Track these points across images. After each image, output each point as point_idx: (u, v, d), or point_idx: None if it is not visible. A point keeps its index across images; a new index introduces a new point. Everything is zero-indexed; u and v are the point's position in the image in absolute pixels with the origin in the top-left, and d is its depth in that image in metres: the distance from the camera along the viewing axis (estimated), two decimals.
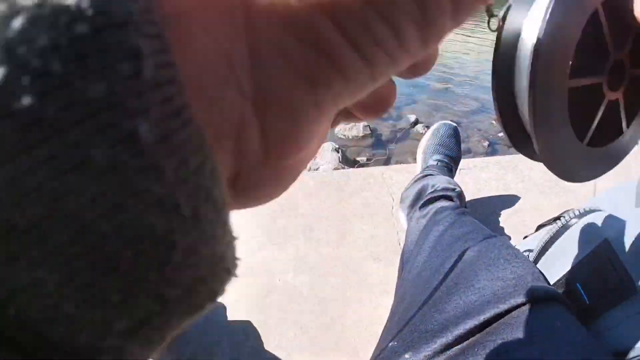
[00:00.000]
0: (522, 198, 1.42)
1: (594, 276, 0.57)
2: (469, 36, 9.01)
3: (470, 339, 0.52)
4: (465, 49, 8.12)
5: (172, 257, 0.11)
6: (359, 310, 1.11)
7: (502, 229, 1.31)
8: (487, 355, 0.50)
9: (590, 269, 0.58)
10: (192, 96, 0.11)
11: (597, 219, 0.63)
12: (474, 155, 4.15)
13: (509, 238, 1.26)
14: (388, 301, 1.10)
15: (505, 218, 1.35)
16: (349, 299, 1.14)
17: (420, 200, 1.08)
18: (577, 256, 0.61)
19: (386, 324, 0.73)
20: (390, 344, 0.60)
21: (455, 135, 1.28)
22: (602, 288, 0.56)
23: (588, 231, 0.62)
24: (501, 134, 4.52)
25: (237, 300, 1.18)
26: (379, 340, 0.69)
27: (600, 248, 0.57)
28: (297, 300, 1.16)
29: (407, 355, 0.55)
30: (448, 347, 0.53)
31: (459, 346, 0.52)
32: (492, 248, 0.67)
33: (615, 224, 0.60)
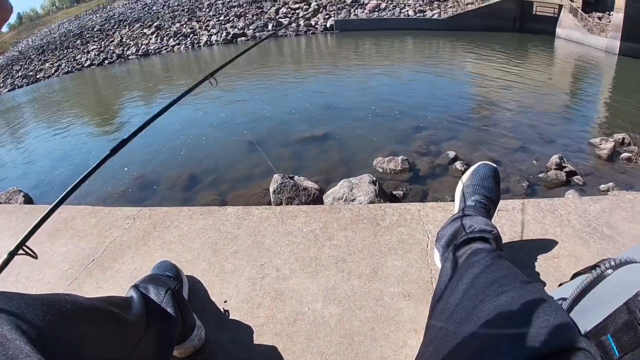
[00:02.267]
0: (560, 243, 1.39)
1: (626, 329, 0.56)
2: (515, 72, 8.93)
3: None
4: (510, 85, 8.05)
5: None
6: (385, 347, 1.10)
7: (538, 274, 1.28)
8: None
9: (622, 322, 0.57)
10: None
11: (632, 271, 0.63)
12: (513, 195, 4.10)
13: (544, 284, 1.23)
14: (415, 340, 1.09)
15: (542, 263, 1.32)
16: (376, 334, 1.13)
17: (456, 240, 1.07)
18: (609, 308, 0.60)
19: None
20: None
21: (495, 176, 1.27)
22: (633, 341, 0.55)
23: (622, 283, 0.62)
24: (541, 175, 4.45)
25: (264, 324, 1.19)
26: None
27: (633, 301, 0.57)
28: (324, 330, 1.16)
29: None
30: None
31: None
32: (527, 295, 0.66)
33: None
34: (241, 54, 1.31)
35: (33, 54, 26.36)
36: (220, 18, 24.26)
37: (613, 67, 9.90)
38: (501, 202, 1.55)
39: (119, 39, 24.51)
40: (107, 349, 0.72)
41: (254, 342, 1.15)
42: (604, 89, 8.34)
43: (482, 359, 0.57)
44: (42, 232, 1.65)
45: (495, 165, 1.30)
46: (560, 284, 0.94)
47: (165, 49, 20.66)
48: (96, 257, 1.51)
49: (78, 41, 26.92)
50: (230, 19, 23.66)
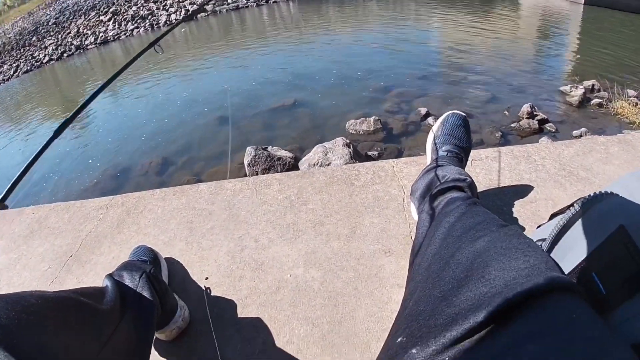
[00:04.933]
0: (536, 188, 1.39)
1: (611, 265, 0.54)
2: (481, 28, 8.91)
3: (481, 332, 0.50)
4: (477, 40, 8.04)
5: None
6: (370, 305, 1.10)
7: (516, 219, 1.29)
8: (498, 348, 0.48)
9: (606, 257, 0.55)
10: None
11: (612, 204, 0.61)
12: (487, 146, 4.13)
13: (523, 229, 1.24)
14: (399, 295, 1.09)
15: (519, 208, 1.33)
16: (360, 293, 1.13)
17: (430, 192, 1.06)
18: (591, 244, 0.59)
19: (395, 319, 0.71)
20: (398, 340, 0.59)
21: (464, 124, 1.25)
22: (619, 278, 0.53)
23: (603, 217, 0.60)
24: (514, 124, 4.48)
25: (247, 296, 1.17)
26: (388, 335, 0.67)
27: (616, 235, 0.55)
28: (308, 295, 1.15)
29: (414, 350, 0.53)
30: (457, 341, 0.51)
31: (468, 340, 0.51)
32: (504, 238, 0.64)
33: (631, 208, 0.58)
34: (181, 22, 1.28)
35: None
36: None
37: (579, 17, 9.91)
38: (475, 152, 1.55)
39: (75, 30, 23.71)
40: (80, 340, 0.70)
41: (239, 316, 1.14)
42: (571, 38, 8.37)
43: (463, 307, 0.55)
44: (17, 235, 1.61)
45: (464, 113, 1.28)
46: (539, 226, 0.93)
47: (124, 34, 20.04)
48: (74, 252, 1.47)
49: (34, 38, 26.03)
50: None
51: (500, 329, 0.49)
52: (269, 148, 3.93)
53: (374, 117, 4.61)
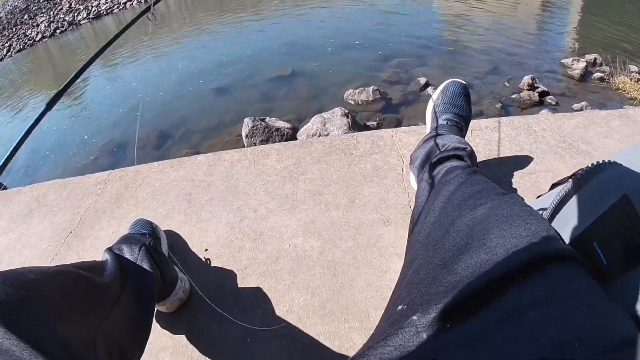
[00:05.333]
0: (535, 159, 1.39)
1: (613, 235, 0.53)
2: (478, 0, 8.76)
3: (482, 299, 0.50)
4: (477, 12, 7.91)
5: None
6: (369, 274, 1.10)
7: (515, 190, 1.28)
8: (499, 315, 0.48)
9: (609, 227, 0.54)
10: None
11: (615, 173, 0.60)
12: (487, 117, 4.10)
13: (522, 199, 1.23)
14: (398, 264, 1.09)
15: (518, 179, 1.32)
16: (359, 262, 1.13)
17: (430, 161, 1.05)
18: (593, 214, 0.58)
19: (395, 287, 0.71)
20: (399, 308, 0.59)
21: (465, 93, 1.23)
22: (621, 248, 0.52)
23: (605, 187, 0.59)
24: (514, 96, 4.44)
25: (247, 267, 1.18)
26: (388, 304, 0.67)
27: (619, 205, 0.54)
28: (307, 264, 1.15)
29: (415, 317, 0.53)
30: (458, 308, 0.51)
31: (469, 307, 0.50)
32: (505, 205, 0.64)
33: (634, 178, 0.57)
34: None
35: None
36: None
37: None
38: (475, 122, 1.54)
39: (67, 6, 23.14)
40: (81, 314, 0.69)
41: (239, 286, 1.14)
42: (574, 10, 8.22)
43: (463, 274, 0.55)
44: (16, 214, 1.60)
45: (464, 82, 1.26)
46: (539, 196, 0.92)
47: (118, 7, 19.57)
48: (73, 228, 1.46)
49: (25, 16, 25.46)
50: None
51: (501, 297, 0.49)
52: (267, 119, 3.90)
53: (372, 87, 4.57)
